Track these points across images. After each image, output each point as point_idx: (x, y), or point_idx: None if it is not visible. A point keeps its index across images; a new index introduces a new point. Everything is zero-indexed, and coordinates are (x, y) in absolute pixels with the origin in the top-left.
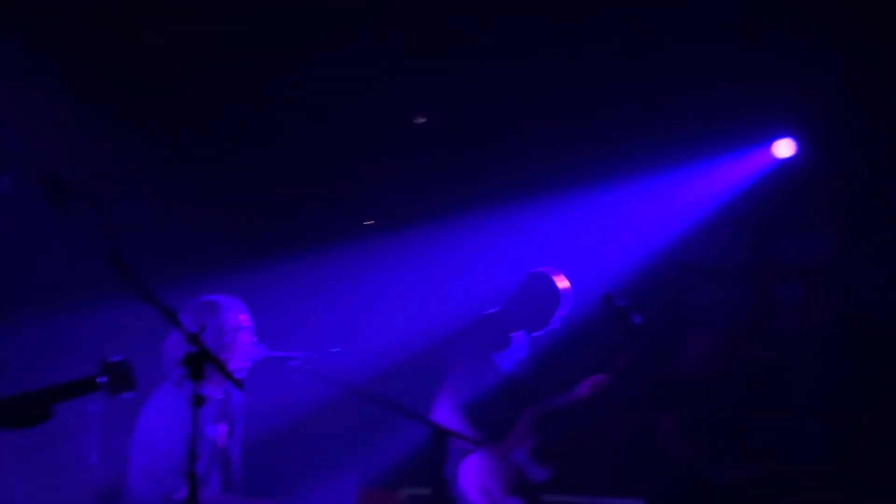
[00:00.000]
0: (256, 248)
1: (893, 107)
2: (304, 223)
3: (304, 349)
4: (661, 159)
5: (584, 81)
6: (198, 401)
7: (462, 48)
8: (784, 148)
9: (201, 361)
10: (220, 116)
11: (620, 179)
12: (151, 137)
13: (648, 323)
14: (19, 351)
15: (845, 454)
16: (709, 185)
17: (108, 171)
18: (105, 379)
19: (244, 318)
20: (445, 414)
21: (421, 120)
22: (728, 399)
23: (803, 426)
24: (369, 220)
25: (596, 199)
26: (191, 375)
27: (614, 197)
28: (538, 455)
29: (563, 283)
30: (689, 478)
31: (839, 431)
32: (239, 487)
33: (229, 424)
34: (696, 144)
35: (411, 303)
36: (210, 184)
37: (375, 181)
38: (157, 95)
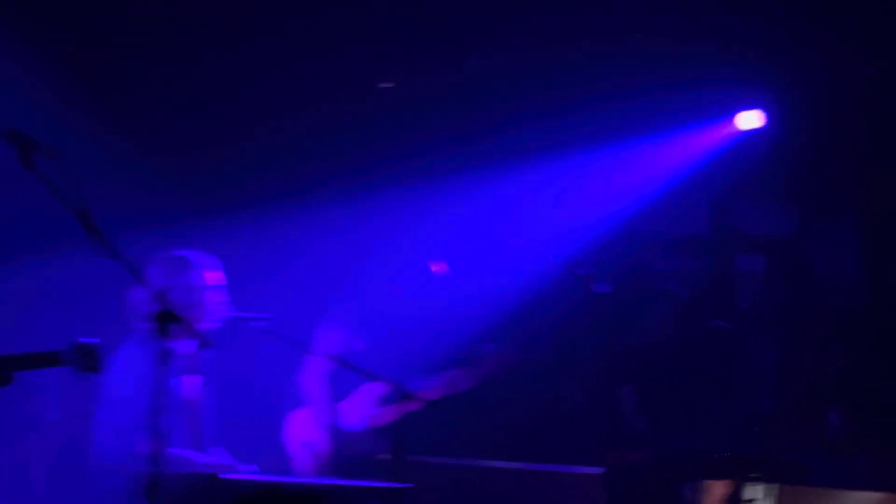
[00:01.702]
0: (225, 205)
1: (856, 77)
2: (275, 182)
3: (268, 310)
4: (626, 129)
5: (548, 51)
6: (163, 357)
7: (425, 16)
8: (748, 119)
9: (167, 319)
10: (188, 71)
11: (585, 149)
12: (120, 94)
13: (610, 292)
14: None
15: (800, 425)
16: (672, 155)
17: (76, 128)
18: (72, 358)
19: (214, 277)
20: (311, 378)
21: (387, 84)
22: (687, 369)
23: (759, 398)
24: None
25: (561, 168)
26: (157, 333)
27: (579, 166)
28: (376, 427)
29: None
30: (648, 447)
31: (795, 402)
32: (211, 441)
33: (199, 378)
34: (660, 115)
35: (377, 265)
36: (180, 140)
37: (341, 142)
38: (123, 53)
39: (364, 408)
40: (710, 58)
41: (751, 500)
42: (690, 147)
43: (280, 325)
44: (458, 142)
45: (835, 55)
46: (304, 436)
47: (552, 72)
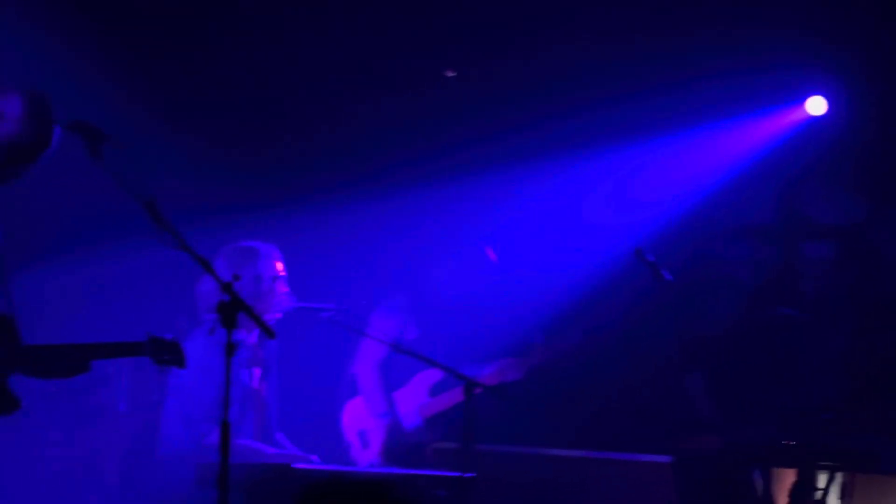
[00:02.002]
0: (285, 196)
1: None
2: (334, 173)
3: (332, 300)
4: (692, 116)
5: (612, 36)
6: (230, 349)
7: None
8: (816, 106)
9: (234, 310)
10: (251, 62)
11: (652, 136)
12: (183, 86)
13: (677, 280)
14: (57, 296)
15: (869, 414)
16: (739, 142)
17: (142, 120)
18: (153, 350)
19: (281, 267)
20: (364, 369)
21: (451, 73)
22: (755, 357)
23: (828, 385)
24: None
25: (628, 155)
26: (223, 324)
27: (646, 154)
28: (428, 417)
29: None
30: (716, 435)
31: (864, 390)
32: (275, 430)
33: (263, 368)
34: (726, 101)
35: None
36: (243, 132)
37: (400, 133)
38: (186, 44)
39: (418, 397)
40: (776, 43)
41: (821, 488)
42: (757, 134)
43: (345, 315)
44: (520, 129)
45: None
46: (361, 424)
47: (617, 59)
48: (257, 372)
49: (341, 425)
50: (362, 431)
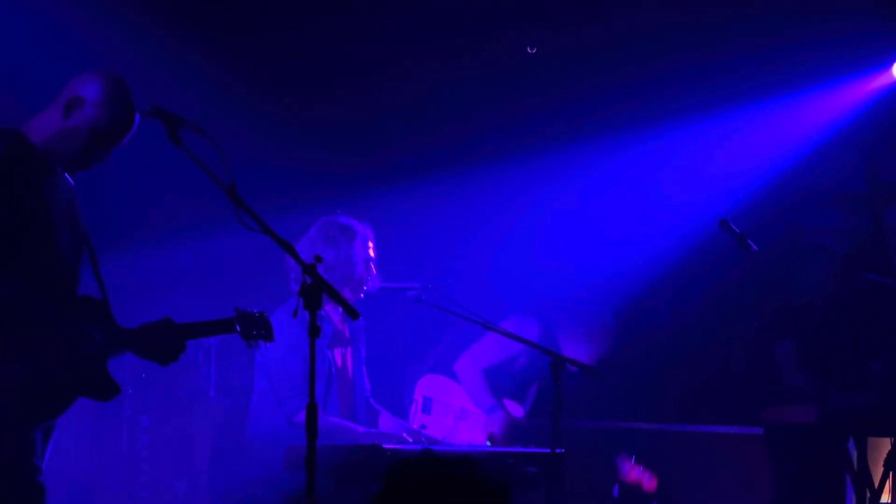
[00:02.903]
0: (367, 174)
1: None
2: (417, 153)
3: (417, 279)
4: (779, 84)
5: (695, 5)
6: (315, 332)
7: None
8: None
9: (318, 292)
10: (337, 36)
11: (740, 105)
12: (270, 62)
13: (766, 249)
14: (143, 279)
15: None
16: (825, 109)
17: (225, 98)
18: (243, 326)
19: (372, 248)
20: (467, 368)
21: (531, 50)
22: (846, 325)
23: None
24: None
25: (714, 125)
26: (306, 306)
27: (732, 123)
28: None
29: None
30: (808, 405)
31: None
32: (363, 408)
33: (349, 344)
34: (813, 68)
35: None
36: (327, 107)
37: (495, 111)
38: (269, 18)
39: None
40: (861, 9)
41: None
42: (843, 100)
43: (431, 294)
44: (606, 101)
45: None
46: (430, 392)
47: (703, 29)
48: (346, 349)
49: (414, 385)
50: (427, 398)
